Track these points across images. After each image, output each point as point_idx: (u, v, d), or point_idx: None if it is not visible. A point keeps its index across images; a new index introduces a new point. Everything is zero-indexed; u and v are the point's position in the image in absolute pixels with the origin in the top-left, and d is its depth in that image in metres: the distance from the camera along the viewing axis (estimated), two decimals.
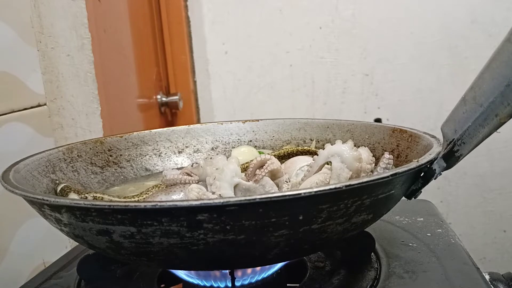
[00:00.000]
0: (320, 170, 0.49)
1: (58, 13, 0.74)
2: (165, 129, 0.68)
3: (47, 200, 0.38)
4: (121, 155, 0.63)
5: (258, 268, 0.48)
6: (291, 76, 1.47)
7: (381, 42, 1.42)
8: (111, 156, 0.62)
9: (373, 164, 0.52)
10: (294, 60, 1.46)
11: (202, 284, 0.48)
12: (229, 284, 0.47)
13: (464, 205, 1.47)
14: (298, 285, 0.49)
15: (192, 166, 0.50)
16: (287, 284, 0.51)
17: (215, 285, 0.48)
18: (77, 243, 0.50)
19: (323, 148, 0.49)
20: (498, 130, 0.40)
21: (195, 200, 0.34)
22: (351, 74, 1.45)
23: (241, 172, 0.47)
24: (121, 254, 0.40)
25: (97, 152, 0.60)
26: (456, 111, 0.42)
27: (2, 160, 0.54)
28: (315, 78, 1.46)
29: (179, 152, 0.67)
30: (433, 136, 0.50)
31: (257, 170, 0.47)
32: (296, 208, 0.36)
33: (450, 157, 0.43)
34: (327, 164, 0.49)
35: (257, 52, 1.46)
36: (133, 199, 0.50)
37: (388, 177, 0.37)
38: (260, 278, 0.48)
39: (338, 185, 0.35)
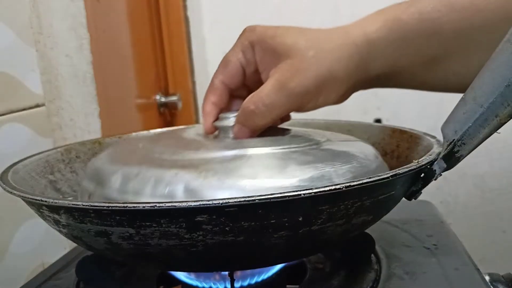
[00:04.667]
0: None
1: (57, 13, 0.74)
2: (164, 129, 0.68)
3: (46, 201, 0.38)
4: None
5: (257, 270, 0.48)
6: None
7: None
8: None
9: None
10: None
11: (201, 285, 0.48)
12: (228, 286, 0.47)
13: (463, 205, 1.47)
14: (297, 286, 0.49)
15: None
16: (287, 286, 0.51)
17: (214, 286, 0.47)
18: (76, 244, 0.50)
19: None
20: (498, 131, 0.40)
21: (194, 201, 0.34)
22: None
23: None
24: (119, 255, 0.40)
25: (95, 153, 0.60)
26: (456, 111, 0.42)
27: (0, 161, 0.54)
28: None
29: None
30: (433, 137, 0.50)
31: None
32: (296, 209, 0.35)
33: (450, 158, 0.43)
34: None
35: None
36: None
37: (388, 178, 0.37)
38: (259, 279, 0.48)
39: (338, 186, 0.35)
